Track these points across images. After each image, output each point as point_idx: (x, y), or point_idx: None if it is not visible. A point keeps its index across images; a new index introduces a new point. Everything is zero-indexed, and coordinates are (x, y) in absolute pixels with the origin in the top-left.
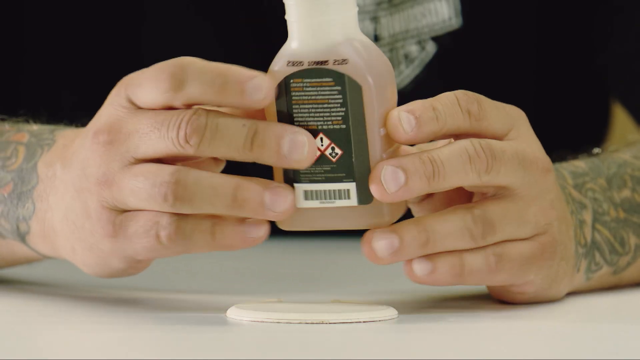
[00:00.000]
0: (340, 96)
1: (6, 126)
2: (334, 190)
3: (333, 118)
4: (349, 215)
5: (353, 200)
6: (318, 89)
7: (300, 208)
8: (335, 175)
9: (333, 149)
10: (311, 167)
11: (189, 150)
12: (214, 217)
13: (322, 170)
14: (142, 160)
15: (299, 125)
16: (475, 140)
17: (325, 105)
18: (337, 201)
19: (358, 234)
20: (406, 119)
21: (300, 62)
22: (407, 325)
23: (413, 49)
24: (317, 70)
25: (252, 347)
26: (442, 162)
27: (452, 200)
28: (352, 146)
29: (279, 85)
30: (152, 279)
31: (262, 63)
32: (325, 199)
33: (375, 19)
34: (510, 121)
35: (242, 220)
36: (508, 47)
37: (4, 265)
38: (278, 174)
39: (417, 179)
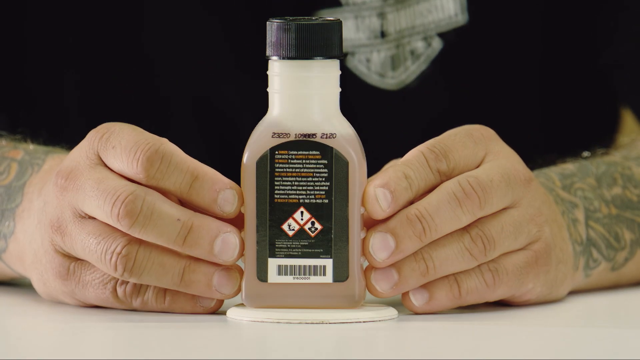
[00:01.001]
0: (325, 170)
1: (3, 142)
2: (310, 266)
3: (316, 192)
4: (321, 293)
5: (328, 277)
6: (304, 161)
7: (270, 284)
8: (313, 250)
9: (313, 223)
10: (289, 241)
11: (121, 228)
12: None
13: (300, 244)
14: (90, 217)
15: (278, 200)
16: (462, 180)
17: (310, 179)
18: (312, 277)
19: None
20: (382, 195)
21: (287, 134)
22: (407, 325)
23: (419, 45)
24: (305, 143)
25: (252, 347)
26: (431, 215)
27: None
28: (333, 221)
29: (261, 157)
30: None
31: (266, 62)
32: (299, 274)
33: (381, 15)
34: (483, 148)
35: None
36: (514, 44)
37: None
38: (250, 247)
39: (407, 240)
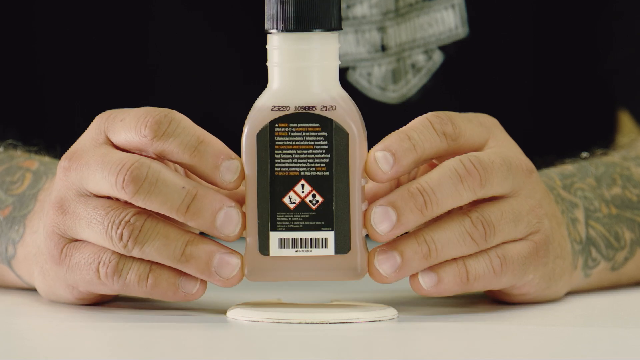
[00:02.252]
0: (326, 142)
1: (18, 152)
2: (312, 239)
3: (317, 164)
4: (323, 266)
5: (330, 250)
6: (304, 134)
7: (272, 257)
8: (314, 223)
9: (314, 196)
10: (290, 214)
11: (125, 197)
12: (153, 264)
13: (301, 217)
14: (95, 195)
15: (279, 173)
16: (463, 157)
17: (310, 151)
18: (314, 250)
19: None
20: (382, 158)
21: (287, 107)
22: (407, 325)
23: (420, 58)
24: (304, 115)
25: (252, 347)
26: (433, 189)
27: None
28: (334, 194)
29: (261, 131)
30: None
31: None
32: (301, 247)
33: (382, 29)
34: (487, 131)
35: (179, 273)
36: (515, 56)
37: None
38: (252, 221)
39: (409, 213)
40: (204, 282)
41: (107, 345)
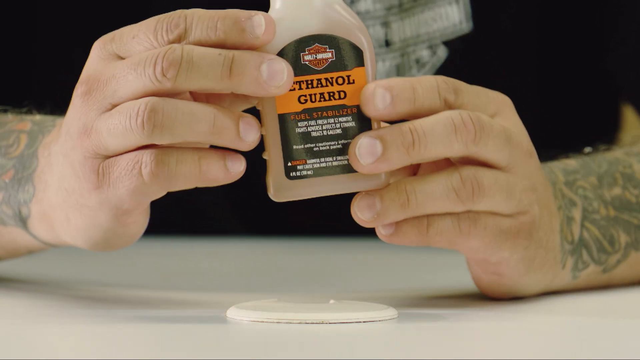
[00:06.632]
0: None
1: (9, 116)
2: None
3: None
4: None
5: None
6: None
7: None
8: None
9: None
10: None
11: (167, 85)
12: (198, 151)
13: None
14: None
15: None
16: (463, 111)
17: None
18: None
19: (358, 234)
20: (381, 95)
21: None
22: (407, 325)
23: (424, 53)
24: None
25: (252, 347)
26: (425, 132)
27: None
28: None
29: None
30: (153, 278)
31: None
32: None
33: (385, 24)
34: (494, 107)
35: (223, 155)
36: (518, 51)
37: (5, 256)
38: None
39: (394, 150)
40: (243, 158)
41: (106, 345)
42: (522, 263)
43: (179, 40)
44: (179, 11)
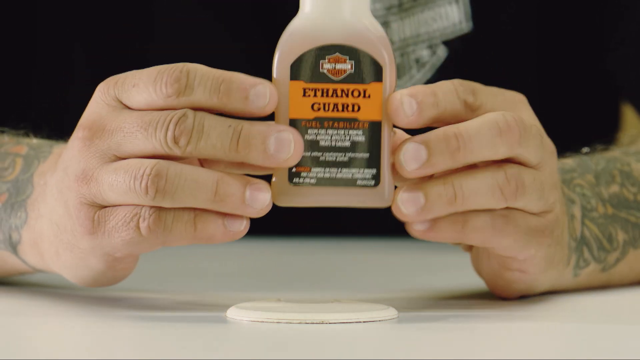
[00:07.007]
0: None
1: (5, 138)
2: None
3: None
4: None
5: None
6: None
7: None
8: None
9: None
10: None
11: (176, 152)
12: (195, 210)
13: None
14: (123, 158)
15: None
16: (506, 113)
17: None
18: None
19: (358, 234)
20: (408, 103)
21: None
22: (407, 325)
23: (424, 53)
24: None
25: (252, 347)
26: (470, 136)
27: None
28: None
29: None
30: (152, 278)
31: (271, 60)
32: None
33: (385, 24)
34: (511, 107)
35: (223, 214)
36: (518, 51)
37: None
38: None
39: (439, 154)
40: (247, 218)
41: (106, 345)
42: (544, 260)
43: (177, 94)
44: (180, 65)
